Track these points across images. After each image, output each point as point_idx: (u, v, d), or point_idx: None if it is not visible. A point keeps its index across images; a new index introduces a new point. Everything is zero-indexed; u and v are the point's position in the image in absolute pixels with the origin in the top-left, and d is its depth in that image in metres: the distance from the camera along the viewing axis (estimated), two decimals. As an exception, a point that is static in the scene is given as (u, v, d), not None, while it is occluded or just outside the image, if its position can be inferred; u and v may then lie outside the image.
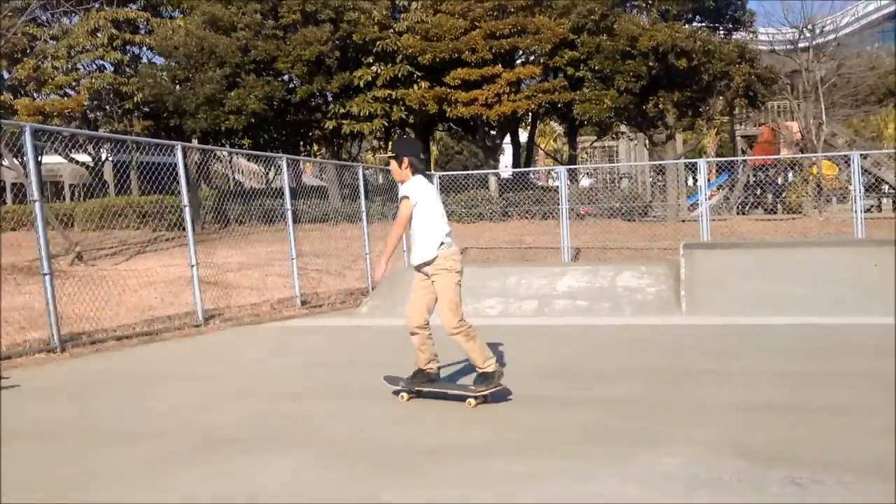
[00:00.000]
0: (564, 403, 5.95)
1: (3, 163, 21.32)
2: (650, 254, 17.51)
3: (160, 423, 5.78)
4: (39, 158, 23.64)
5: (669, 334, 9.63)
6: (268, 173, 39.74)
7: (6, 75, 26.23)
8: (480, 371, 5.93)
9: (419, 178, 6.04)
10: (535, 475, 4.22)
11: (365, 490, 4.12)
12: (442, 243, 5.90)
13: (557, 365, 7.71)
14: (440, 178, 19.01)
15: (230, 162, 35.89)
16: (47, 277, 9.14)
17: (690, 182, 37.12)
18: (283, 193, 14.21)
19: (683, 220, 22.70)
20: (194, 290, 11.68)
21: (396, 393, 6.20)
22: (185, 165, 11.66)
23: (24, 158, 9.44)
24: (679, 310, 11.34)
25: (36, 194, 9.20)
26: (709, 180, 26.05)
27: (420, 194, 5.95)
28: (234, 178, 36.74)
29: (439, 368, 6.24)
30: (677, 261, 12.36)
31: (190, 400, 6.57)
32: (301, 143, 30.48)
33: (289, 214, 13.97)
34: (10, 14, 22.79)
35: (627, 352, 8.40)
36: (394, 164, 6.10)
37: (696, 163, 21.25)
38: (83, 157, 29.94)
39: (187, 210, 11.67)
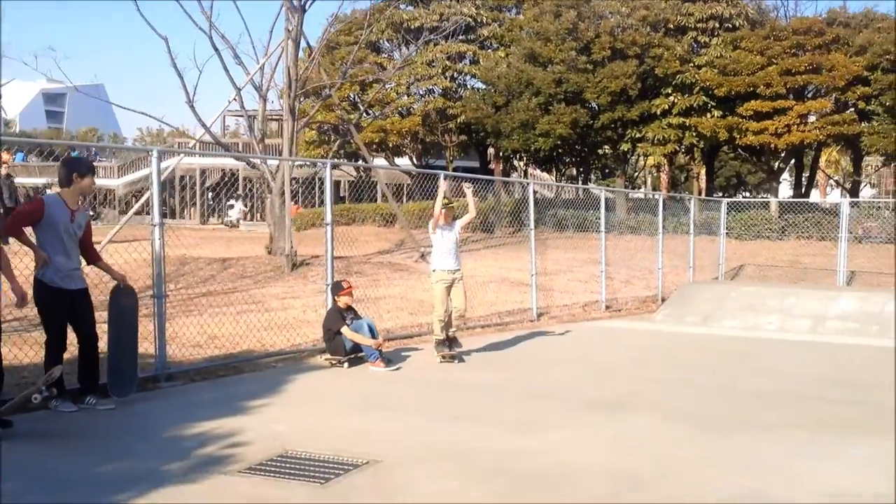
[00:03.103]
0: (848, 403, 8.27)
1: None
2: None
3: (551, 390, 8.71)
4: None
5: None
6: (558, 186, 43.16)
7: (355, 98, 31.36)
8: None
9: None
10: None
11: (696, 442, 6.85)
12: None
13: (837, 376, 9.89)
14: (728, 203, 21.02)
15: (525, 174, 39.63)
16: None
17: None
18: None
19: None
20: (532, 292, 14.78)
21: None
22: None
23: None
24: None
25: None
26: None
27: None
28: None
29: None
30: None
31: (562, 377, 9.53)
32: (593, 161, 33.63)
33: (602, 237, 16.85)
34: (364, 46, 27.55)
35: (889, 369, 10.07)
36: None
37: None
38: (404, 162, 34.64)
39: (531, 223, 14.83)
